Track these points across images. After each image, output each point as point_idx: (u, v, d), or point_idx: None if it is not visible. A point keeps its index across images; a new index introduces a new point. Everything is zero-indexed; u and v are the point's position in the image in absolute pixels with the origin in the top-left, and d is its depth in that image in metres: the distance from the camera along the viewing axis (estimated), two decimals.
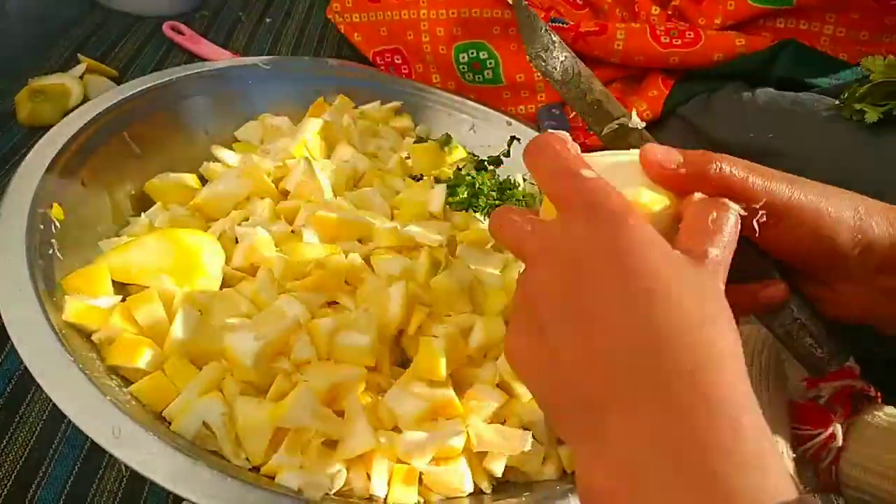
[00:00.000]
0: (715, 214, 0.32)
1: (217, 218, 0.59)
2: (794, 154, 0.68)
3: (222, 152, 0.66)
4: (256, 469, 0.43)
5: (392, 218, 0.62)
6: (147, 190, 0.61)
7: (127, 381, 0.46)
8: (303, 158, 0.61)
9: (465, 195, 0.67)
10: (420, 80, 0.88)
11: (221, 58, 0.95)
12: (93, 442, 0.39)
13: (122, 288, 0.51)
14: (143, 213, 0.58)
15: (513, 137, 0.75)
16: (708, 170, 0.34)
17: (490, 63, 0.88)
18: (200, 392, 0.45)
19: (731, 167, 0.34)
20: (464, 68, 0.88)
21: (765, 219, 0.34)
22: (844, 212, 0.36)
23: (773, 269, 0.39)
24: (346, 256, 0.55)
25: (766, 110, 0.73)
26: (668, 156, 0.34)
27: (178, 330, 0.46)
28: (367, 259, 0.56)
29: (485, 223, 0.65)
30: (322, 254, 0.54)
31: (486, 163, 0.73)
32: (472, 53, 0.88)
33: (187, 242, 0.53)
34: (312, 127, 0.68)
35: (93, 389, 0.41)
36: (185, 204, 0.60)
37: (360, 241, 0.58)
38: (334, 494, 0.43)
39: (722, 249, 0.31)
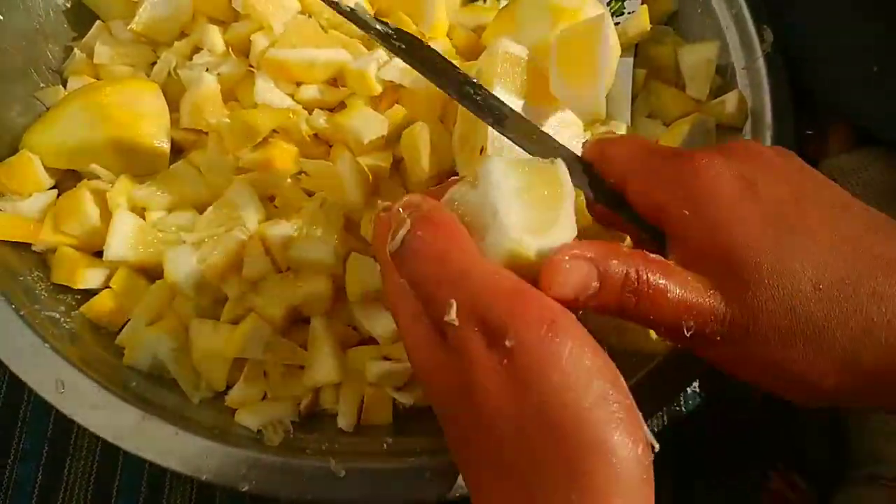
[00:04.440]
0: None
1: (164, 42, 0.48)
2: None
3: None
4: (221, 395, 0.41)
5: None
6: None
7: (84, 294, 0.42)
8: None
9: None
10: None
11: None
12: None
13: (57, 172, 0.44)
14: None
15: None
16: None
17: None
18: (149, 316, 0.41)
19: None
20: None
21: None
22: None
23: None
24: (311, 114, 0.43)
25: None
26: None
27: (113, 244, 0.40)
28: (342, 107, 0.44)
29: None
30: (277, 114, 0.42)
31: None
32: None
33: (120, 109, 0.43)
34: None
35: (29, 333, 0.38)
36: (127, 20, 0.48)
37: (334, 81, 0.45)
38: (301, 419, 0.41)
39: None
